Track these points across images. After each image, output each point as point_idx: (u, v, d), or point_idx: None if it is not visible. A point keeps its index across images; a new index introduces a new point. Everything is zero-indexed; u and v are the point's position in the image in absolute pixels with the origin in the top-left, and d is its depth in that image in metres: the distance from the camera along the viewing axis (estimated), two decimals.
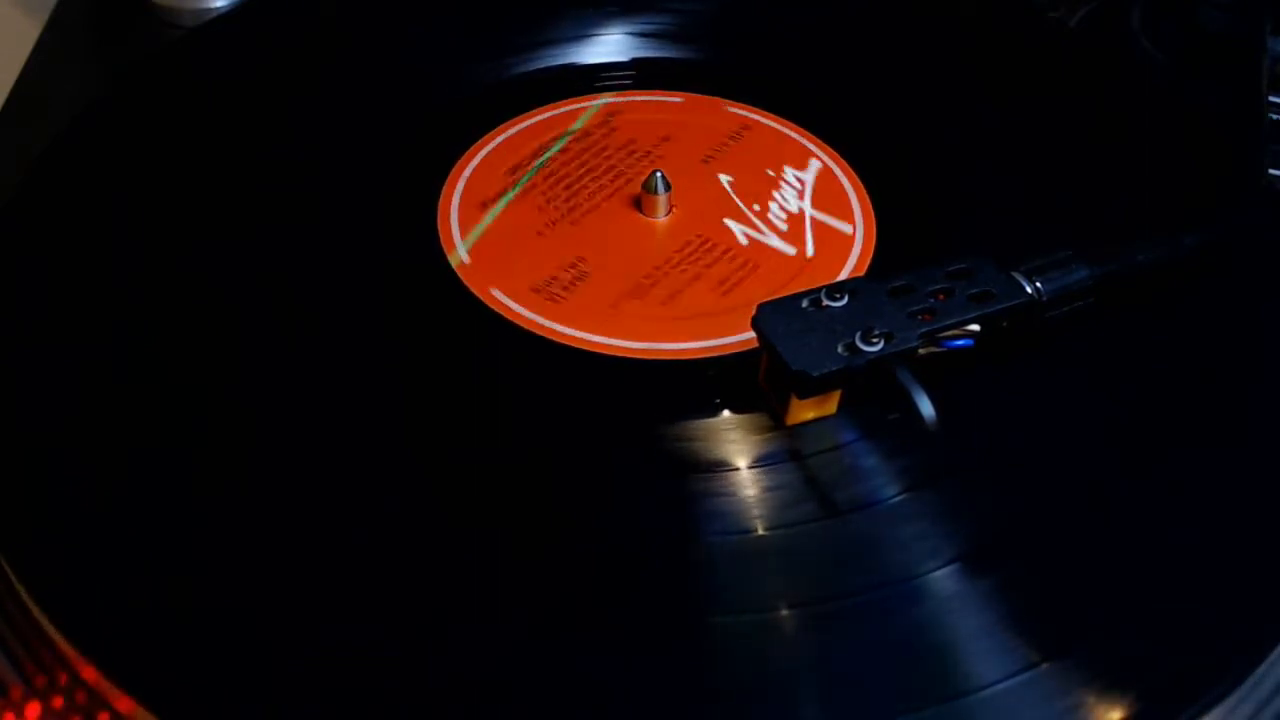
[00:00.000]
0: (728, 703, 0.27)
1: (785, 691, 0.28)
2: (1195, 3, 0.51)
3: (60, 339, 0.35)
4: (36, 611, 0.29)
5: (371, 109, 0.44)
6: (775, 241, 0.37)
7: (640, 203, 0.40)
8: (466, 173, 0.42)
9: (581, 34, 0.47)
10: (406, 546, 0.30)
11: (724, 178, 0.40)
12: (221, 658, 0.28)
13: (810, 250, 0.37)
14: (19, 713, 0.29)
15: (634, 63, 0.47)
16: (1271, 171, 0.43)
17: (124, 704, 0.27)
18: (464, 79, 0.46)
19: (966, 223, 0.40)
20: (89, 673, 0.28)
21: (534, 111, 0.44)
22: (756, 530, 0.31)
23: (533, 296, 0.37)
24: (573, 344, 0.36)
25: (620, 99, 0.44)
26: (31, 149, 0.42)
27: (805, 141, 0.41)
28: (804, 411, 0.33)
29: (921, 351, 0.32)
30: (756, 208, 0.38)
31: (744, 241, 0.38)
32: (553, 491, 0.32)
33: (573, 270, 0.38)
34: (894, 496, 0.31)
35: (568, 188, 0.41)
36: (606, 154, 0.42)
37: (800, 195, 0.38)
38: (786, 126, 0.44)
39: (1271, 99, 0.45)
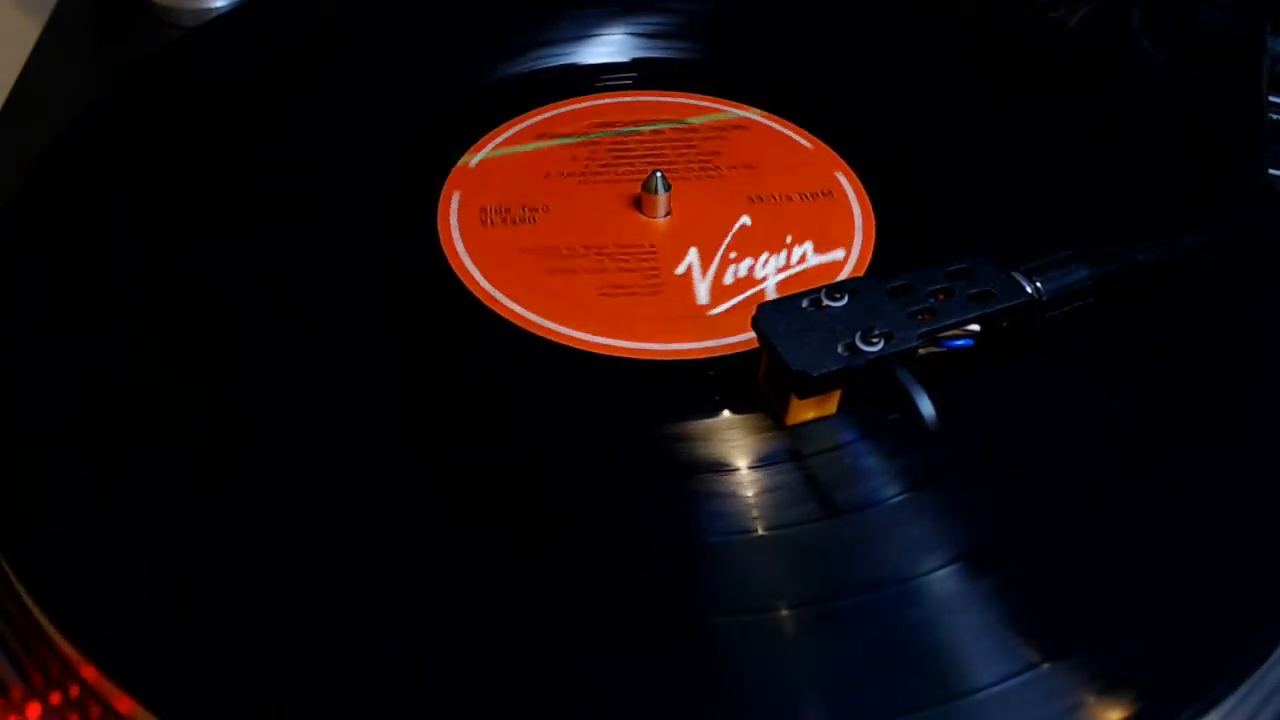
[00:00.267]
0: (728, 703, 0.27)
1: (785, 691, 0.28)
2: (1195, 3, 0.51)
3: (60, 339, 0.35)
4: (36, 612, 0.29)
5: (371, 109, 0.44)
6: (699, 287, 0.37)
7: (640, 199, 0.40)
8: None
9: (581, 34, 0.47)
10: (406, 546, 0.30)
11: (745, 219, 0.40)
12: (221, 658, 0.28)
13: (710, 305, 0.37)
14: (20, 712, 0.29)
15: (634, 63, 0.47)
16: (1271, 171, 0.43)
17: (124, 704, 0.27)
18: (464, 79, 0.46)
19: (966, 223, 0.40)
20: (89, 673, 0.28)
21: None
22: (756, 530, 0.31)
23: (478, 218, 0.39)
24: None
25: (761, 119, 0.44)
26: (31, 149, 0.42)
27: (854, 213, 0.40)
28: (804, 411, 0.33)
29: (921, 351, 0.32)
30: (733, 255, 0.38)
31: (679, 271, 0.38)
32: (553, 491, 0.32)
33: (529, 211, 0.39)
34: (894, 496, 0.31)
35: (616, 158, 0.41)
36: (683, 152, 0.42)
37: (778, 269, 0.37)
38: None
39: (1271, 99, 0.45)
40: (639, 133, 0.42)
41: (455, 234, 0.39)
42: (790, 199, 0.41)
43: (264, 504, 0.31)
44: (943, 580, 0.29)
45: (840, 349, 0.32)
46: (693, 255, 0.38)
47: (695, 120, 0.41)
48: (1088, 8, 0.53)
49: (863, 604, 0.29)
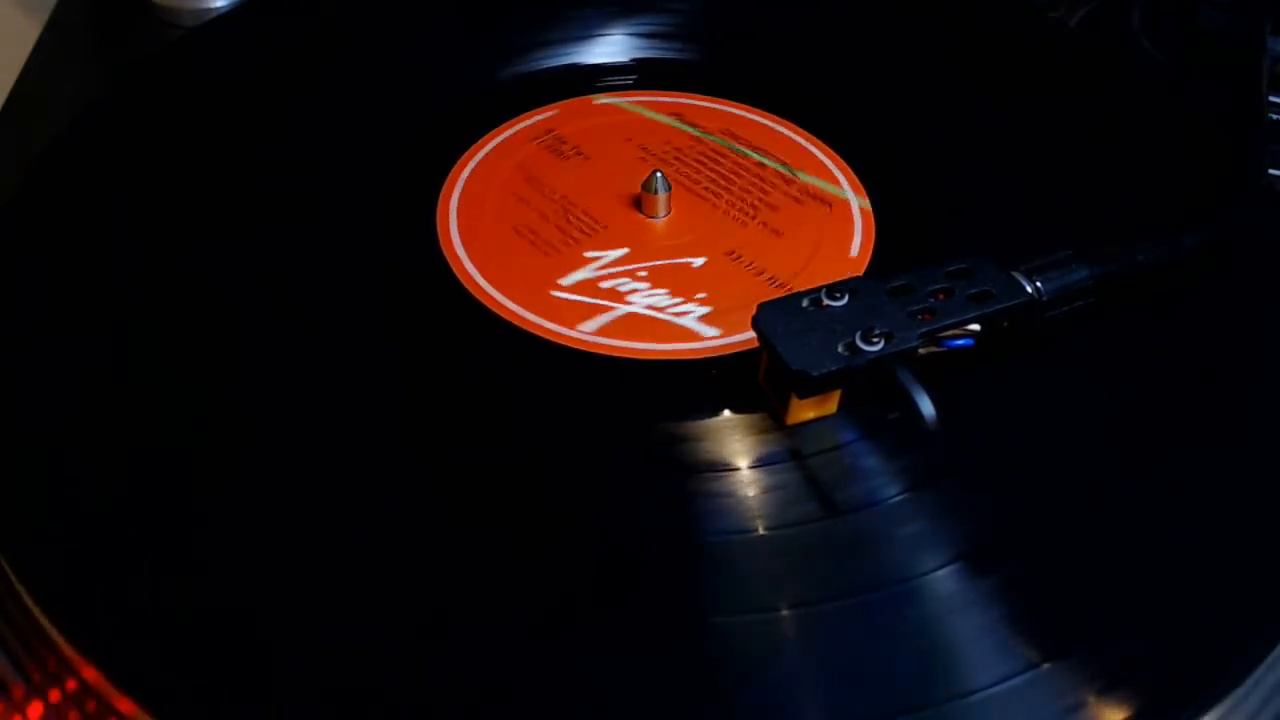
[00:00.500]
0: (728, 703, 0.27)
1: (785, 691, 0.28)
2: (1195, 3, 0.51)
3: (60, 339, 0.35)
4: (37, 612, 0.29)
5: (371, 109, 0.44)
6: (582, 270, 0.38)
7: (640, 199, 0.40)
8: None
9: (581, 34, 0.47)
10: (406, 546, 0.30)
11: (698, 260, 0.39)
12: (221, 658, 0.28)
13: (565, 286, 0.37)
14: (21, 712, 0.29)
15: (634, 63, 0.47)
16: (1271, 171, 0.43)
17: (124, 704, 0.27)
18: (464, 79, 0.46)
19: (966, 223, 0.40)
20: (89, 673, 0.28)
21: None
22: (756, 530, 0.31)
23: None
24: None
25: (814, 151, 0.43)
26: (31, 149, 0.42)
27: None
28: (804, 411, 0.33)
29: (921, 351, 0.32)
30: (641, 273, 0.38)
31: (590, 254, 0.39)
32: (553, 491, 0.32)
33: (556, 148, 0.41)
34: (894, 496, 0.31)
35: (705, 168, 0.42)
36: (754, 188, 0.41)
37: (645, 306, 0.37)
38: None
39: (1271, 99, 0.45)
40: (744, 155, 0.41)
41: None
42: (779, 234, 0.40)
43: (264, 504, 0.31)
44: (943, 580, 0.29)
45: (840, 349, 0.32)
46: (615, 254, 0.38)
47: (801, 175, 0.40)
48: (1088, 8, 0.53)
49: (863, 604, 0.29)
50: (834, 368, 0.31)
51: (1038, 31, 0.49)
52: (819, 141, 0.43)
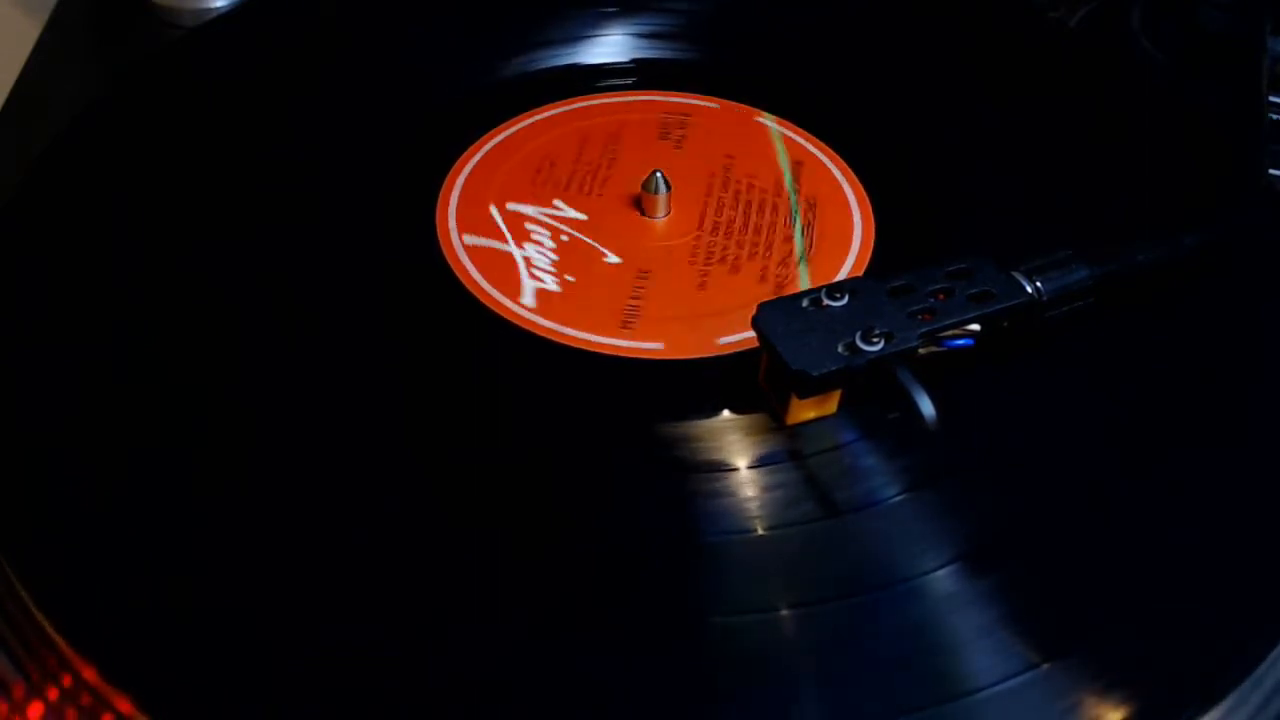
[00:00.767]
0: (728, 703, 0.27)
1: (785, 691, 0.28)
2: (1195, 3, 0.51)
3: (60, 339, 0.35)
4: (37, 612, 0.29)
5: (371, 109, 0.44)
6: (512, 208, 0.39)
7: (640, 199, 0.40)
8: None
9: (581, 34, 0.47)
10: (406, 546, 0.30)
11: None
12: (221, 658, 0.28)
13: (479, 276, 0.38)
14: (21, 712, 0.29)
15: (634, 63, 0.47)
16: (1271, 171, 0.43)
17: (124, 704, 0.27)
18: (464, 79, 0.46)
19: (966, 223, 0.40)
20: (89, 673, 0.28)
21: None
22: (756, 530, 0.31)
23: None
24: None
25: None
26: (31, 149, 0.42)
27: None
28: (804, 411, 0.33)
29: (921, 351, 0.32)
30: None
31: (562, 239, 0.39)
32: (553, 491, 0.32)
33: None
34: (894, 496, 0.31)
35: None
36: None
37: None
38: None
39: (1271, 99, 0.45)
40: (791, 223, 0.40)
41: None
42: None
43: (263, 504, 0.31)
44: (943, 580, 0.29)
45: (840, 349, 0.32)
46: (573, 214, 0.40)
47: (803, 268, 0.38)
48: (1088, 8, 0.53)
49: (863, 604, 0.29)
50: (834, 368, 0.31)
51: (1038, 31, 0.49)
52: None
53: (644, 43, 0.47)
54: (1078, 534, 0.31)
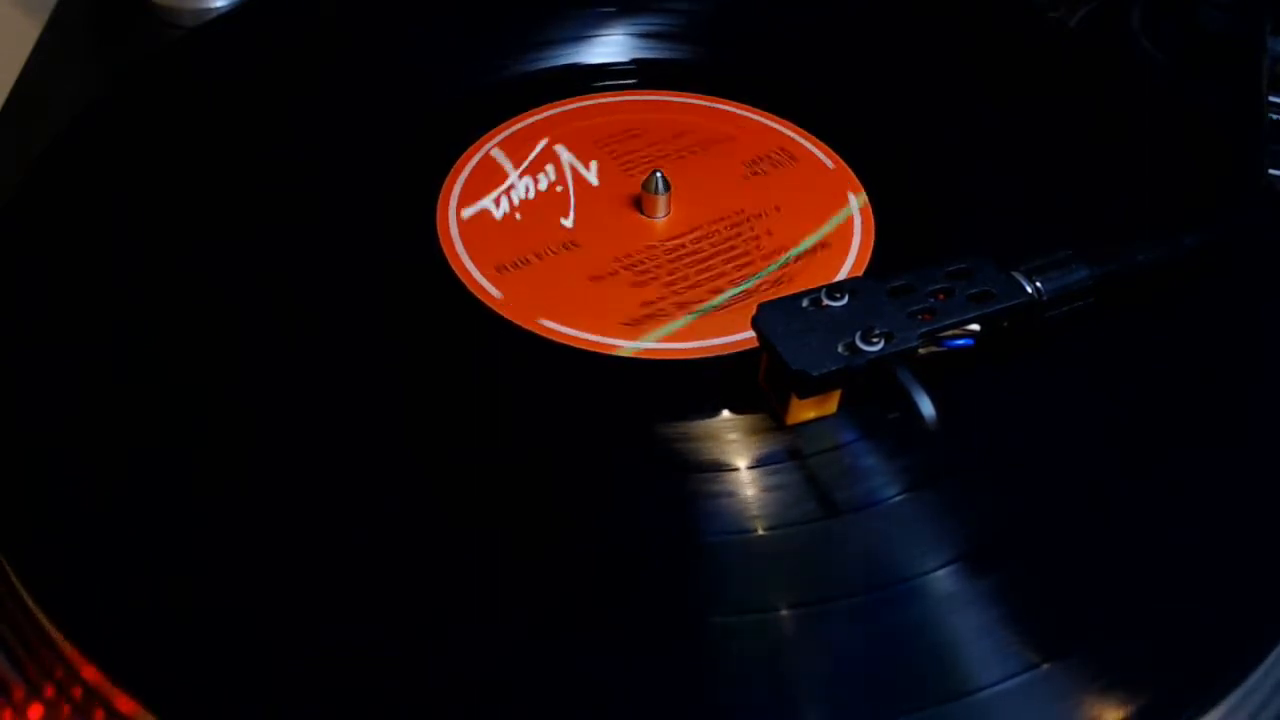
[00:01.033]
0: (728, 703, 0.27)
1: (785, 692, 0.28)
2: (1195, 3, 0.51)
3: (60, 339, 0.35)
4: (37, 612, 0.29)
5: (371, 109, 0.44)
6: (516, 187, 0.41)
7: (640, 199, 0.40)
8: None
9: (581, 34, 0.47)
10: (406, 546, 0.30)
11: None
12: (221, 658, 0.28)
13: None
14: (21, 713, 0.29)
15: (634, 63, 0.47)
16: (1271, 171, 0.43)
17: (124, 704, 0.27)
18: (464, 79, 0.46)
19: (966, 223, 0.40)
20: (89, 673, 0.28)
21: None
22: (756, 530, 0.31)
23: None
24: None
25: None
26: (31, 149, 0.42)
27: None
28: (804, 411, 0.33)
29: (921, 351, 0.32)
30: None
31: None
32: (553, 491, 0.32)
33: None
34: (894, 496, 0.31)
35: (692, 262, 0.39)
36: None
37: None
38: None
39: (1271, 99, 0.45)
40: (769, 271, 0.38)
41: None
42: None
43: (263, 504, 0.31)
44: (943, 580, 0.29)
45: (840, 349, 0.32)
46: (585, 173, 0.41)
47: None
48: (1088, 8, 0.53)
49: (863, 604, 0.29)
50: (834, 368, 0.31)
51: (1038, 31, 0.49)
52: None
53: (644, 43, 0.47)
54: (1078, 534, 0.31)
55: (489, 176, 0.41)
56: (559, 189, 0.41)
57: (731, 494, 0.32)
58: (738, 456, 0.32)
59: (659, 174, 0.39)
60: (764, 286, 0.37)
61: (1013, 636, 0.28)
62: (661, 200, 0.40)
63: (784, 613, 0.29)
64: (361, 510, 0.31)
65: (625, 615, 0.29)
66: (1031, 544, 0.30)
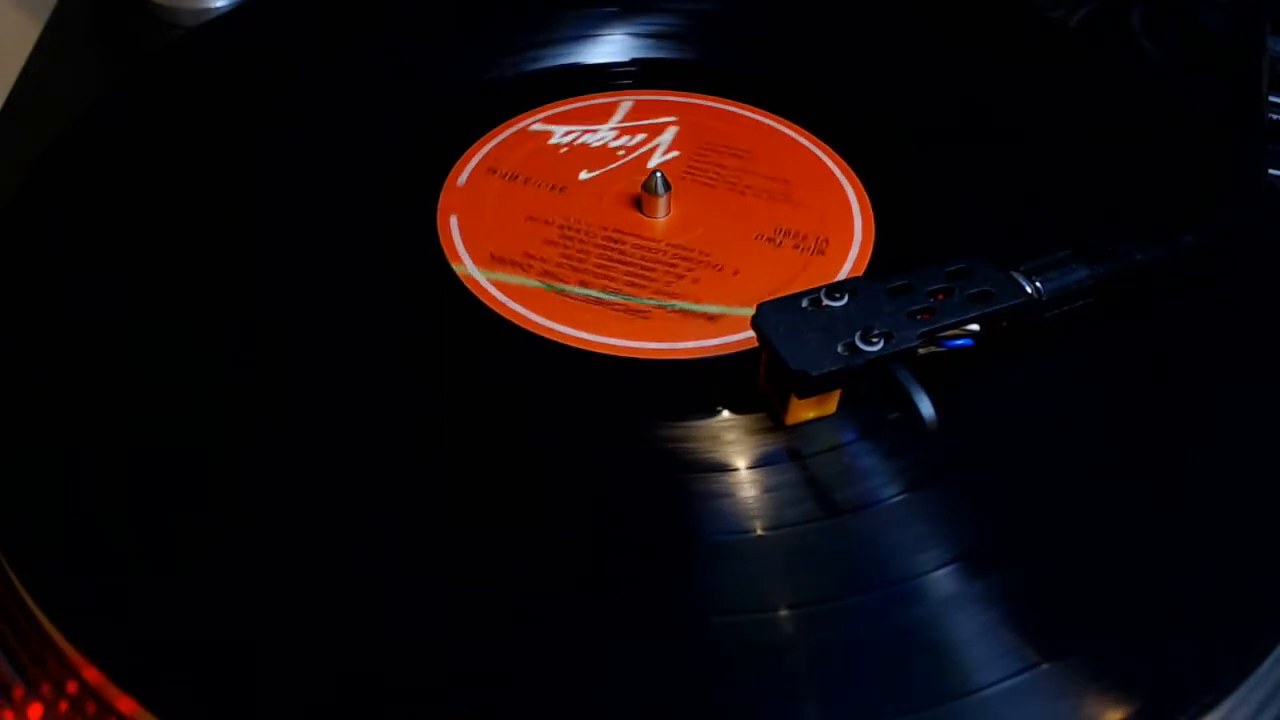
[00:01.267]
0: (728, 702, 0.27)
1: (785, 691, 0.28)
2: (1195, 3, 0.51)
3: (60, 339, 0.35)
4: (37, 612, 0.29)
5: (371, 109, 0.44)
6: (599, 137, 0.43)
7: (640, 199, 0.40)
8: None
9: (582, 34, 0.47)
10: (406, 546, 0.30)
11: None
12: (221, 658, 0.28)
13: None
14: (20, 713, 0.29)
15: (634, 63, 0.47)
16: (1271, 171, 0.43)
17: (125, 704, 0.27)
18: (464, 79, 0.46)
19: (966, 223, 0.40)
20: (90, 673, 0.28)
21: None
22: (756, 530, 0.31)
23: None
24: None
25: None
26: (31, 149, 0.42)
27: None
28: (804, 411, 0.33)
29: (921, 351, 0.32)
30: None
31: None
32: (552, 491, 0.32)
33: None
34: (894, 496, 0.31)
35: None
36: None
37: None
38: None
39: (1271, 99, 0.45)
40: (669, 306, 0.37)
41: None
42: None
43: (264, 504, 0.31)
44: (943, 580, 0.29)
45: (840, 348, 0.32)
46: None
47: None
48: (1088, 8, 0.53)
49: (863, 604, 0.29)
50: (833, 368, 0.31)
51: (1038, 31, 0.49)
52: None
53: (644, 43, 0.47)
54: (1078, 534, 0.31)
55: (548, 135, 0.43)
56: (620, 154, 0.42)
57: (731, 494, 0.32)
58: (738, 456, 0.32)
59: (659, 174, 0.39)
60: (617, 307, 0.37)
61: (1013, 636, 0.28)
62: (658, 201, 0.40)
63: (784, 613, 0.29)
64: (362, 510, 0.31)
65: (625, 615, 0.29)
66: (1031, 544, 0.30)
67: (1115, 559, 0.30)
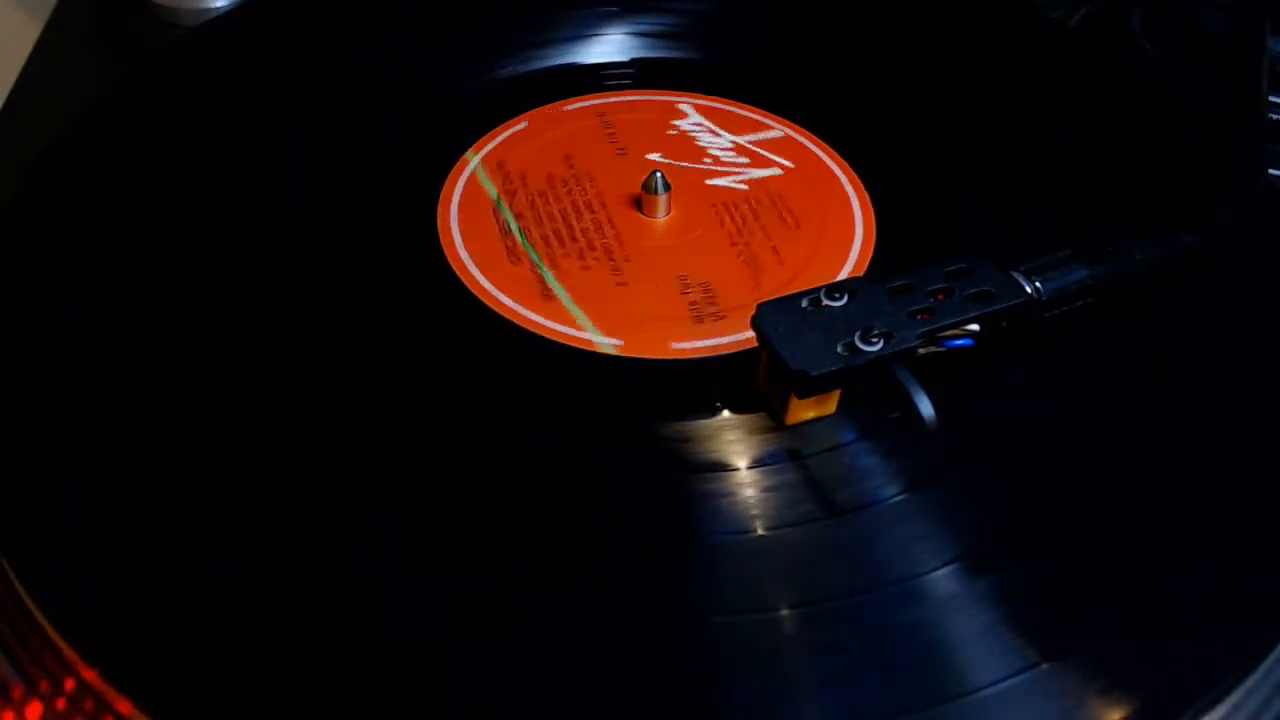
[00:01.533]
0: (728, 702, 0.27)
1: (785, 692, 0.28)
2: (1195, 3, 0.51)
3: (60, 339, 0.35)
4: (37, 612, 0.29)
5: (371, 109, 0.44)
6: None
7: (640, 199, 0.40)
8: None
9: (581, 34, 0.48)
10: (406, 546, 0.30)
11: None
12: (220, 659, 0.28)
13: None
14: (20, 713, 0.29)
15: (634, 63, 0.47)
16: (1271, 171, 0.43)
17: (124, 705, 0.27)
18: (464, 79, 0.46)
19: (966, 223, 0.40)
20: (89, 674, 0.28)
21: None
22: (756, 530, 0.31)
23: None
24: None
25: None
26: (31, 149, 0.42)
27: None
28: (804, 411, 0.33)
29: (921, 351, 0.32)
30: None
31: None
32: (553, 491, 0.32)
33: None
34: (894, 496, 0.31)
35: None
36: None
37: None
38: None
39: (1271, 99, 0.45)
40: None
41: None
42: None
43: (263, 504, 0.31)
44: (943, 580, 0.29)
45: (840, 349, 0.32)
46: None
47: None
48: (1088, 8, 0.53)
49: (863, 604, 0.29)
50: (833, 368, 0.31)
51: (1038, 31, 0.49)
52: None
53: (644, 42, 0.47)
54: (1078, 534, 0.31)
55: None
56: (706, 161, 0.42)
57: (731, 494, 0.32)
58: (738, 456, 0.32)
59: (659, 175, 0.39)
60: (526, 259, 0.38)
61: (1012, 636, 0.28)
62: (658, 201, 0.40)
63: (784, 612, 0.29)
64: (362, 510, 0.31)
65: (626, 615, 0.29)
66: (1031, 544, 0.30)
67: (1115, 559, 0.30)
